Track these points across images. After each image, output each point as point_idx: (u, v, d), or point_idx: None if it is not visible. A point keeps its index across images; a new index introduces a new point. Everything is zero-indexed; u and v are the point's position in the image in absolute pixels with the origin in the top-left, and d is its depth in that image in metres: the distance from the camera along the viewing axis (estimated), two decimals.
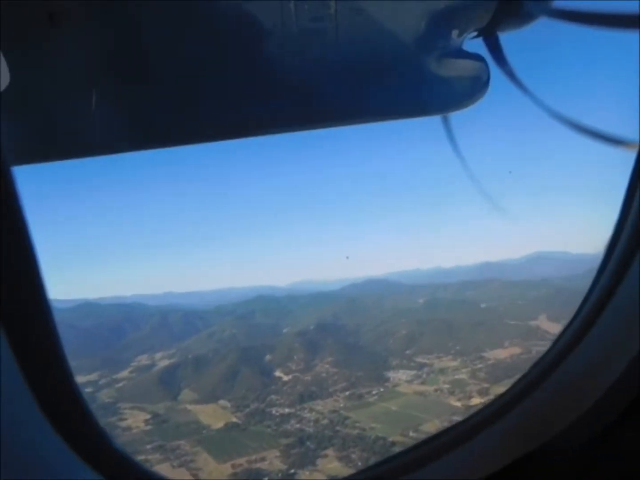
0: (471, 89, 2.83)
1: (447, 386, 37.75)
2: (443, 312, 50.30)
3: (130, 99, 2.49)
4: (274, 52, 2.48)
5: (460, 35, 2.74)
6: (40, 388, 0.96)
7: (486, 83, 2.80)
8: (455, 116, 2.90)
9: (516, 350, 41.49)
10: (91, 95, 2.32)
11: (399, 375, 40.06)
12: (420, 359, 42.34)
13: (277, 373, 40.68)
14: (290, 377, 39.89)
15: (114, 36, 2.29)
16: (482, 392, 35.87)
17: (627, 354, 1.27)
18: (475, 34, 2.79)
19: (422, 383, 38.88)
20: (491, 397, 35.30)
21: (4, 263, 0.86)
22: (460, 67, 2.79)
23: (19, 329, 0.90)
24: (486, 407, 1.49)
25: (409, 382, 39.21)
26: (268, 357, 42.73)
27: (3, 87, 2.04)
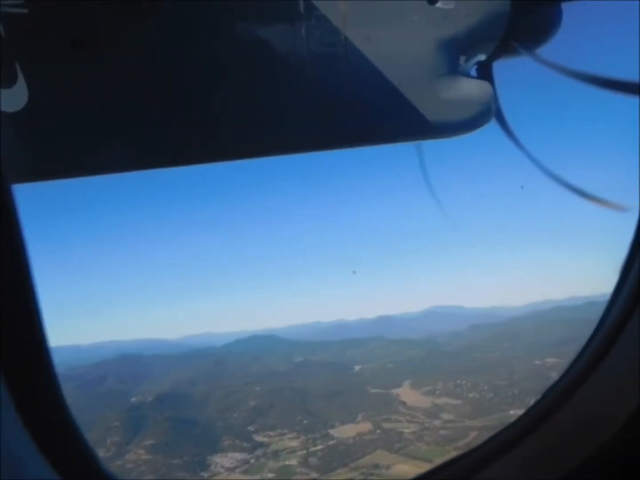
0: (478, 113, 2.86)
1: (270, 476, 31.93)
2: (307, 378, 44.80)
3: (142, 119, 2.54)
4: (286, 75, 2.60)
5: (467, 60, 2.86)
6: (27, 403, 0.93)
7: (493, 108, 2.91)
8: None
9: (366, 426, 36.25)
10: (104, 115, 2.43)
11: (224, 462, 33.95)
12: (259, 437, 36.51)
13: None
14: None
15: (131, 61, 2.42)
16: None
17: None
18: (481, 59, 2.92)
19: (245, 471, 32.95)
20: None
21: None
22: (468, 92, 2.84)
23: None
24: (500, 432, 1.39)
25: (232, 469, 33.15)
26: None
27: (20, 106, 2.10)
